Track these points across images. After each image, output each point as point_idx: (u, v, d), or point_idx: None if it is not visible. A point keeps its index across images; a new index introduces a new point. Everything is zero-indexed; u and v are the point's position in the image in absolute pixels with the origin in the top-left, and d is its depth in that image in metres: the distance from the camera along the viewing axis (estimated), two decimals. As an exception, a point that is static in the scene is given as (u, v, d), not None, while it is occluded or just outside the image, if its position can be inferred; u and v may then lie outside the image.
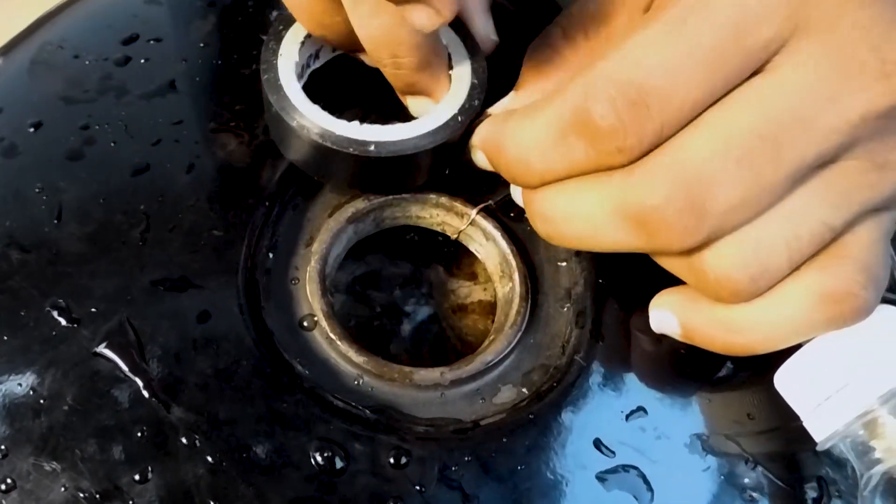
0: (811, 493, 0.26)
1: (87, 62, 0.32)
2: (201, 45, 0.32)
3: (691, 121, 0.22)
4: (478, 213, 0.30)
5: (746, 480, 0.26)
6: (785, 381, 0.25)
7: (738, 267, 0.22)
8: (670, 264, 0.24)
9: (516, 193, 0.27)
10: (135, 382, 0.24)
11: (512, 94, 0.28)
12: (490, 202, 0.30)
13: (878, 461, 0.23)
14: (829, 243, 0.23)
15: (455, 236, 0.31)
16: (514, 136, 0.24)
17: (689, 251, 0.23)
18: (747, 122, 0.21)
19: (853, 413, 0.23)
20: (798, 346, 0.24)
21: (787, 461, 0.27)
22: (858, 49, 0.21)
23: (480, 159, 0.27)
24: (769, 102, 0.21)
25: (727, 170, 0.21)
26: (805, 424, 0.24)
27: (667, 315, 0.26)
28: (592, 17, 0.26)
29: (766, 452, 0.27)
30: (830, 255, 0.23)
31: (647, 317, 0.27)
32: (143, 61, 0.32)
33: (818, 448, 0.24)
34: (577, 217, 0.24)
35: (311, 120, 0.26)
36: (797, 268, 0.23)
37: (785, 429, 0.27)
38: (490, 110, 0.27)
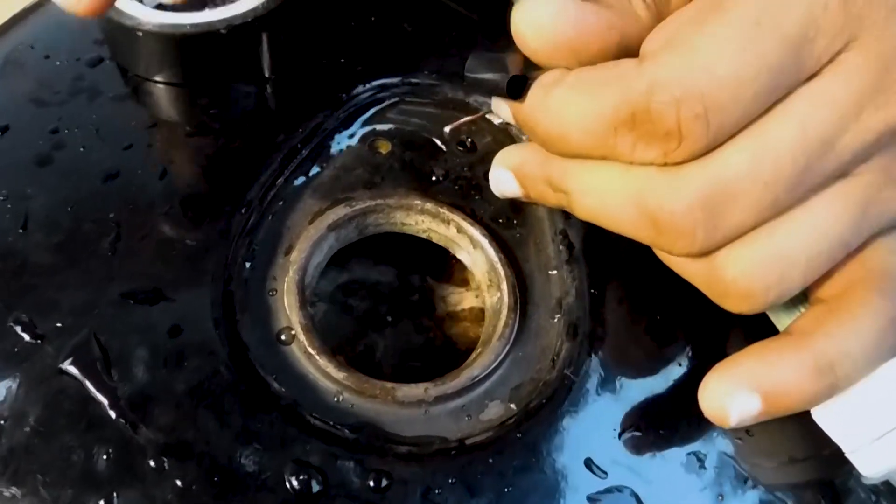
0: (813, 513, 0.25)
1: (58, 62, 0.31)
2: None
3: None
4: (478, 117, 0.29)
5: (746, 499, 0.25)
6: (827, 415, 0.23)
7: (756, 275, 0.22)
8: (678, 264, 0.24)
9: (501, 108, 0.24)
10: (101, 401, 0.23)
11: None
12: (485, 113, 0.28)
13: None
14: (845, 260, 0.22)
15: (448, 129, 0.29)
16: (559, 110, 0.22)
17: (701, 255, 0.22)
18: (784, 145, 0.20)
19: None
20: None
21: (789, 478, 0.26)
22: (891, 63, 0.20)
23: (503, 113, 0.25)
24: (808, 121, 0.20)
25: (753, 192, 0.20)
26: (851, 458, 0.23)
27: (742, 396, 0.22)
28: None
29: (766, 471, 0.25)
30: (883, 276, 0.22)
31: (640, 329, 0.26)
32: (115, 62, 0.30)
33: (866, 481, 0.24)
34: (594, 192, 0.23)
35: (132, 11, 0.29)
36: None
37: (785, 447, 0.26)
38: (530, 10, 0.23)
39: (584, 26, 0.22)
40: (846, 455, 0.23)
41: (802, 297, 0.24)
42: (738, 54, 0.20)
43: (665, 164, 0.21)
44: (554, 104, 0.22)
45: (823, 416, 0.23)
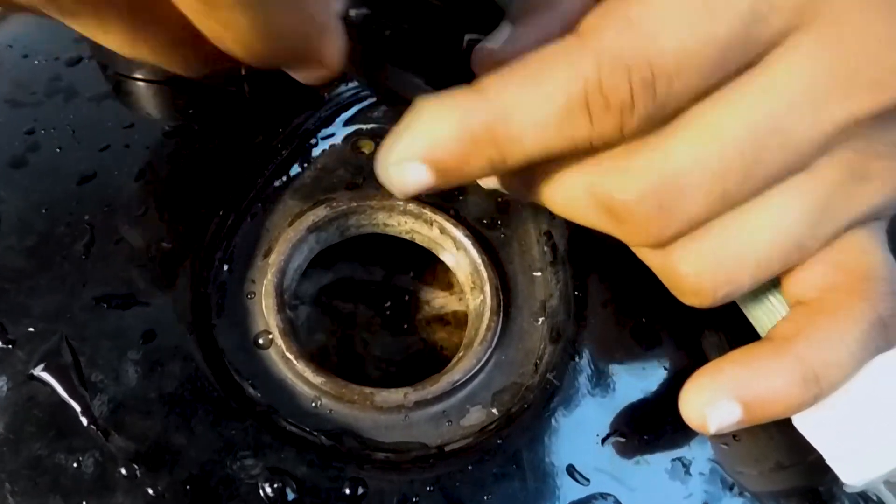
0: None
1: (36, 62, 0.30)
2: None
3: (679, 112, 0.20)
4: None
5: (732, 506, 0.25)
6: (809, 423, 0.23)
7: (704, 273, 0.21)
8: (643, 254, 0.23)
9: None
10: (73, 408, 0.23)
11: (508, 25, 0.23)
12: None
13: None
14: (806, 258, 0.22)
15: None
16: (507, 112, 0.20)
17: (660, 246, 0.22)
18: (732, 134, 0.20)
19: None
20: None
21: (773, 487, 0.25)
22: (854, 52, 0.19)
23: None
24: (757, 109, 0.20)
25: (703, 183, 0.20)
26: (832, 466, 0.23)
27: (722, 405, 0.21)
28: None
29: (752, 477, 0.25)
30: (862, 278, 0.22)
31: (625, 333, 0.26)
32: (95, 61, 0.30)
33: (847, 489, 0.23)
34: (558, 185, 0.22)
35: None
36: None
37: (772, 448, 0.25)
38: (487, 44, 0.23)
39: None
40: (827, 462, 0.23)
41: (771, 287, 0.23)
42: (685, 26, 0.19)
43: (614, 151, 0.21)
44: (500, 107, 0.20)
45: (805, 424, 0.23)
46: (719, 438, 0.25)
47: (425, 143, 0.20)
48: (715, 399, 0.21)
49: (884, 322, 0.21)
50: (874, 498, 0.25)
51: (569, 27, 0.21)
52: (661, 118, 0.20)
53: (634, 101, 0.20)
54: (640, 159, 0.21)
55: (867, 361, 0.21)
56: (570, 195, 0.22)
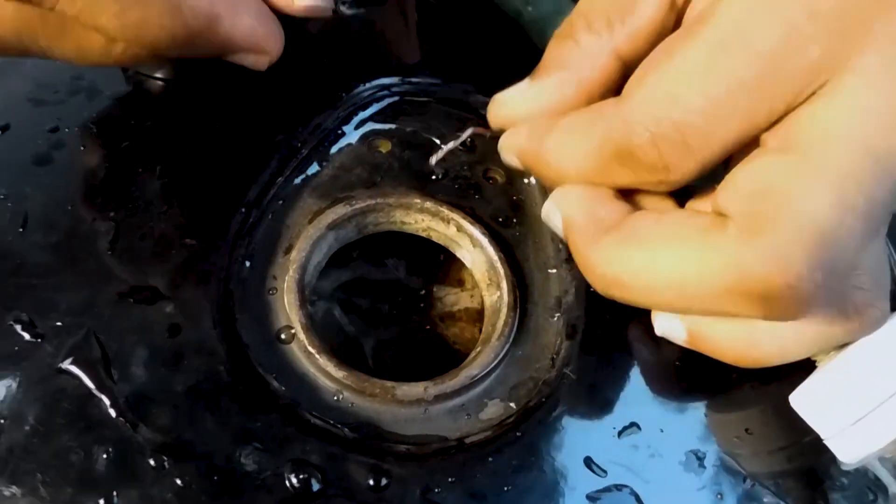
0: (812, 512, 0.25)
1: (57, 61, 0.30)
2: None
3: (744, 142, 0.21)
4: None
5: (745, 499, 0.25)
6: (804, 401, 0.24)
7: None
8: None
9: (552, 219, 0.26)
10: (101, 400, 0.23)
11: (528, 80, 0.26)
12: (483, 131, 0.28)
13: None
14: None
15: (434, 160, 0.29)
16: (555, 154, 0.24)
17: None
18: (852, 159, 0.19)
19: (891, 435, 0.22)
20: (812, 365, 0.24)
21: (786, 479, 0.26)
22: None
23: (511, 160, 0.27)
24: (862, 133, 0.19)
25: (857, 225, 0.19)
26: (828, 444, 0.23)
27: (673, 321, 0.25)
28: (616, 7, 0.25)
29: (765, 470, 0.26)
30: None
31: (640, 328, 0.26)
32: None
33: (844, 467, 0.24)
34: (664, 283, 0.22)
35: None
36: None
37: (785, 445, 0.26)
38: (503, 95, 0.27)
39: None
40: (824, 441, 0.23)
41: None
42: (704, 78, 0.20)
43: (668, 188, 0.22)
44: (550, 148, 0.24)
45: (800, 403, 0.23)
46: (733, 432, 0.26)
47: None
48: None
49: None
50: (871, 476, 0.26)
51: (584, 89, 0.25)
52: (715, 164, 0.21)
53: (667, 161, 0.21)
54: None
55: None
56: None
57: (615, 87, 0.25)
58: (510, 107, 0.26)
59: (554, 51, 0.26)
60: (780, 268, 0.19)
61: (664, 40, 0.23)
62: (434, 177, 0.30)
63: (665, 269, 0.21)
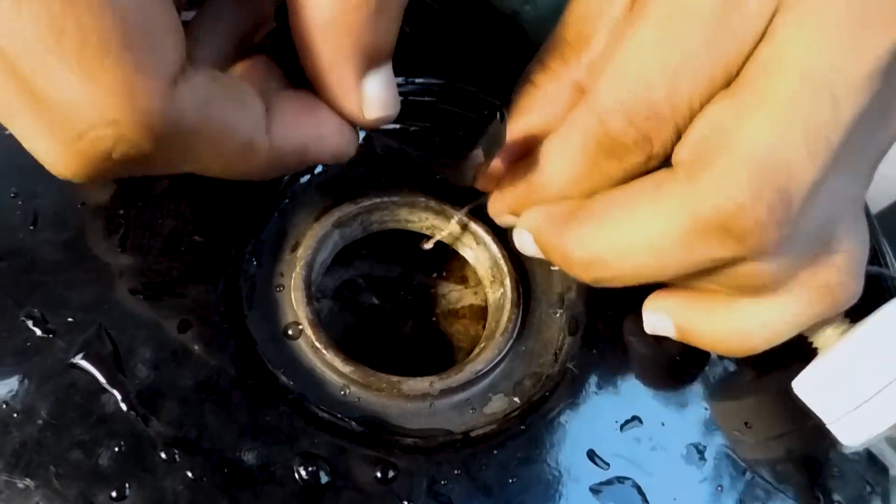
0: (810, 503, 0.26)
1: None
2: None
3: (709, 100, 0.21)
4: (465, 213, 0.29)
5: (745, 490, 0.26)
6: (807, 387, 0.24)
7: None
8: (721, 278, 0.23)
9: (525, 243, 0.26)
10: (112, 395, 0.23)
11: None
12: (481, 200, 0.29)
13: None
14: None
15: (462, 213, 0.30)
16: (547, 170, 0.24)
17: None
18: (788, 86, 0.20)
19: (893, 419, 0.23)
20: (814, 352, 0.25)
21: (785, 470, 0.26)
22: None
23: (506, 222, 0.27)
24: (798, 61, 0.20)
25: (797, 146, 0.20)
26: (831, 429, 0.24)
27: (660, 318, 0.25)
28: (569, 44, 0.26)
29: (764, 461, 0.26)
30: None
31: (641, 323, 0.26)
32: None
33: (846, 451, 0.25)
34: (634, 247, 0.22)
35: None
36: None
37: (783, 437, 0.26)
38: (474, 152, 0.27)
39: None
40: (827, 426, 0.24)
41: None
42: (659, 51, 0.21)
43: (683, 169, 0.21)
44: (544, 181, 0.25)
45: (803, 389, 0.24)
46: (733, 425, 0.26)
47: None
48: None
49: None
50: (867, 461, 0.26)
51: (553, 128, 0.25)
52: (687, 124, 0.21)
53: (646, 133, 0.22)
54: (726, 158, 0.20)
55: None
56: (657, 245, 0.22)
57: None
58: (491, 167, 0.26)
59: (517, 99, 0.27)
60: (725, 195, 0.20)
61: (612, 30, 0.23)
62: (438, 176, 0.30)
63: (631, 231, 0.22)
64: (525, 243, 0.25)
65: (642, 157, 0.22)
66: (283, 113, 0.21)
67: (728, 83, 0.21)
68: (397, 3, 0.20)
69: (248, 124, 0.20)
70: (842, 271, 0.23)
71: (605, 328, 0.27)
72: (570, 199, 0.24)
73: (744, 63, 0.21)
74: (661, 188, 0.21)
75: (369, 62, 0.21)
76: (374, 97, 0.22)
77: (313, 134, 0.22)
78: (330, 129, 0.22)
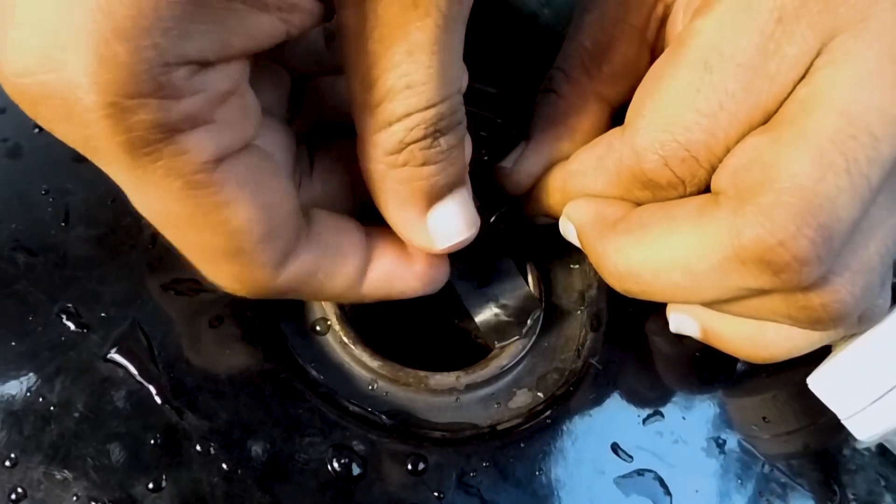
0: (828, 496, 0.26)
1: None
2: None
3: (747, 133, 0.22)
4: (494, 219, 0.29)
5: (763, 483, 0.26)
6: (822, 384, 0.25)
7: (850, 293, 0.21)
8: (754, 306, 0.23)
9: (568, 232, 0.26)
10: (147, 388, 0.24)
11: (523, 144, 0.28)
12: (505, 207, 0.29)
13: None
14: None
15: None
16: (581, 183, 0.25)
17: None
18: (829, 124, 0.20)
19: None
20: (828, 349, 0.25)
21: (801, 464, 0.27)
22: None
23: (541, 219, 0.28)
24: (839, 101, 0.20)
25: (839, 182, 0.20)
26: (846, 424, 0.25)
27: (686, 319, 0.26)
28: (591, 55, 0.26)
29: (781, 455, 0.27)
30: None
31: (662, 320, 0.27)
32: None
33: (860, 445, 0.25)
34: (671, 267, 0.22)
35: None
36: None
37: (799, 432, 0.27)
38: (503, 164, 0.28)
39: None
40: (842, 421, 0.25)
41: None
42: (695, 97, 0.21)
43: (729, 198, 0.21)
44: (572, 189, 0.26)
45: (818, 385, 0.25)
46: (752, 419, 0.27)
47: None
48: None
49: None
50: (889, 457, 0.27)
51: (577, 139, 0.26)
52: (720, 163, 0.22)
53: (681, 177, 0.22)
54: (770, 191, 0.20)
55: None
56: (693, 269, 0.22)
57: (606, 127, 0.26)
58: (519, 174, 0.27)
59: (540, 108, 0.27)
60: (768, 228, 0.20)
61: (652, 66, 0.24)
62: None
63: (670, 251, 0.22)
64: (569, 232, 0.26)
65: (675, 195, 0.23)
66: (379, 264, 0.23)
67: (766, 122, 0.22)
68: (449, 142, 0.21)
69: (343, 282, 0.23)
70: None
71: (626, 325, 0.28)
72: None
73: (782, 103, 0.21)
74: (704, 214, 0.22)
75: (431, 200, 0.22)
76: (442, 230, 0.22)
77: (403, 288, 0.24)
78: (421, 274, 0.24)
